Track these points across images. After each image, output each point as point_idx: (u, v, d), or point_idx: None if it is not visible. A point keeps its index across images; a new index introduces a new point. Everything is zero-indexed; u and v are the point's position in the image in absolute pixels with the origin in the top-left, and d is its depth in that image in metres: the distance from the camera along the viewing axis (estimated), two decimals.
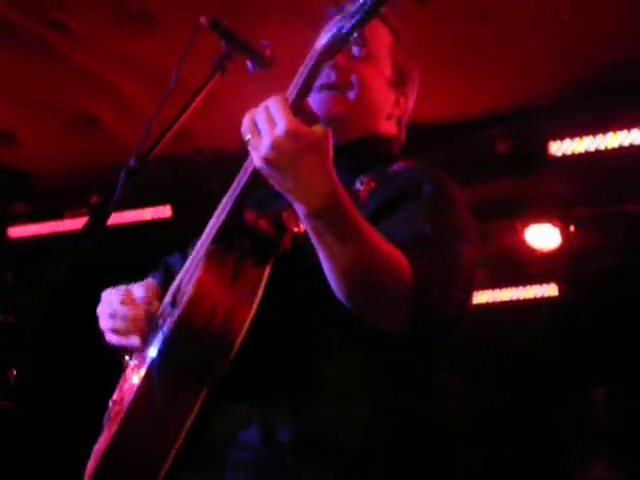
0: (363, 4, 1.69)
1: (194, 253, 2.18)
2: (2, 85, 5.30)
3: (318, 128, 1.74)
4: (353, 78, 2.32)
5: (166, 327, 1.97)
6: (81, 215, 6.52)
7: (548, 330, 6.93)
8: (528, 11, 4.45)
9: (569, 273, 6.85)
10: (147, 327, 2.14)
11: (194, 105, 2.20)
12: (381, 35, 2.41)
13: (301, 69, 1.84)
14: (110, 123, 5.75)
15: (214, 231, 2.02)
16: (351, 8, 1.71)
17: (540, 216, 6.19)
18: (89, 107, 5.60)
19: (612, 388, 7.30)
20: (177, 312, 1.94)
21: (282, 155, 1.70)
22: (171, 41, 4.52)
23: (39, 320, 1.85)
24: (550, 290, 7.04)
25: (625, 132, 5.22)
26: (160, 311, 2.19)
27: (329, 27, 1.77)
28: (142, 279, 2.76)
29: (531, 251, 6.39)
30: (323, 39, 1.78)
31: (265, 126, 1.71)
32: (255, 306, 1.94)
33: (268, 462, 1.99)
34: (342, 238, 1.80)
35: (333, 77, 2.30)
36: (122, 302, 2.20)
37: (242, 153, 6.21)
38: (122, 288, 2.29)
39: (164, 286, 2.58)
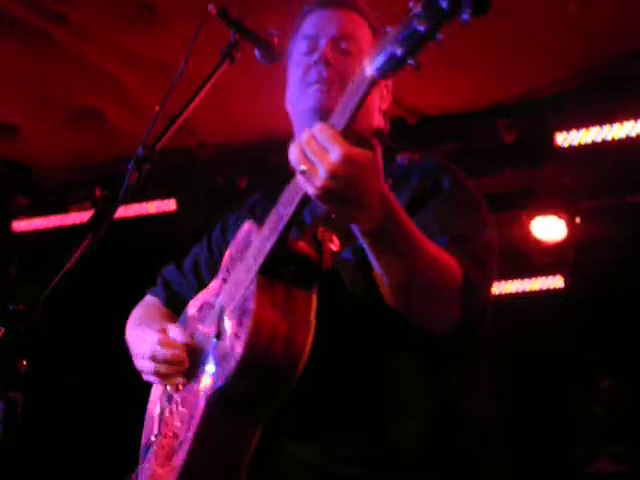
0: (415, 30, 1.59)
1: (233, 275, 2.15)
2: (5, 78, 5.29)
3: (368, 148, 1.72)
4: (346, 73, 2.29)
5: (227, 363, 1.96)
6: (87, 209, 6.53)
7: (553, 322, 6.92)
8: (535, 3, 4.43)
9: (575, 265, 6.83)
10: (189, 366, 2.16)
11: (202, 94, 2.19)
12: (364, 30, 2.42)
13: (347, 96, 1.77)
14: (113, 117, 5.74)
15: (260, 261, 1.99)
16: (402, 33, 1.62)
17: (546, 208, 6.17)
18: (92, 101, 5.60)
19: (617, 380, 7.29)
20: (239, 347, 1.93)
21: (340, 182, 1.69)
22: (174, 35, 4.52)
23: (45, 312, 1.84)
24: (556, 282, 7.03)
25: (632, 123, 5.19)
26: (198, 343, 2.19)
27: (376, 53, 1.69)
28: (147, 275, 2.76)
29: (537, 243, 6.37)
30: (372, 65, 1.70)
31: (317, 156, 1.70)
32: (312, 329, 1.94)
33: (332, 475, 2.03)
34: (400, 251, 1.83)
35: (325, 73, 2.30)
36: (161, 344, 2.20)
37: (246, 148, 6.19)
38: (157, 327, 2.29)
39: (171, 305, 2.59)
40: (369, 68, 1.69)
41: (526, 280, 7.01)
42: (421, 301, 1.92)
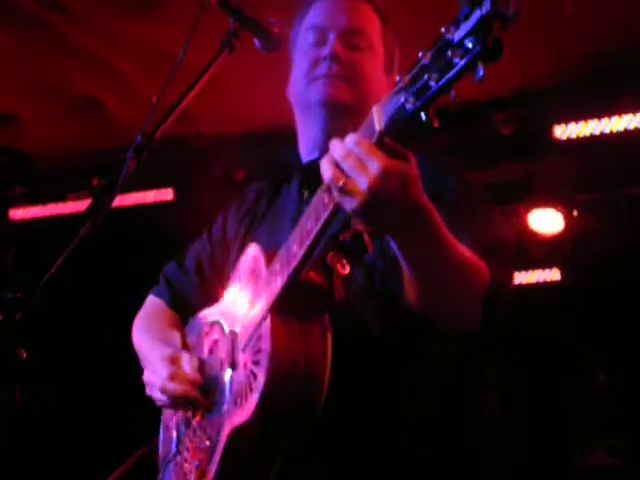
0: (427, 85, 1.49)
1: (244, 302, 2.12)
2: (4, 67, 5.27)
3: (401, 158, 1.65)
4: (356, 69, 2.28)
5: (246, 402, 1.95)
6: (84, 197, 6.52)
7: (550, 314, 6.92)
8: None
9: (572, 257, 6.83)
10: (202, 400, 2.16)
11: (201, 83, 2.17)
12: (374, 22, 2.38)
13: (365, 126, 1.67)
14: (112, 106, 5.73)
15: (271, 299, 1.96)
16: (414, 84, 1.52)
17: (543, 200, 6.17)
18: (91, 90, 5.59)
19: (614, 372, 7.29)
20: (257, 389, 1.91)
21: (381, 196, 1.63)
22: (174, 24, 4.49)
23: (43, 300, 1.84)
24: (553, 274, 7.03)
25: (630, 115, 5.20)
26: (211, 368, 2.19)
27: (387, 101, 1.59)
28: (144, 264, 2.75)
29: (534, 235, 6.37)
30: (381, 118, 1.60)
31: (357, 170, 1.62)
32: (329, 360, 1.92)
33: None
34: (436, 260, 1.80)
35: (335, 69, 2.26)
36: (171, 378, 2.20)
37: (244, 137, 6.16)
38: (166, 355, 2.27)
39: (175, 306, 2.58)
40: (378, 121, 1.61)
41: (523, 273, 7.01)
42: (449, 304, 1.90)
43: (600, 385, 7.35)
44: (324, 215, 1.77)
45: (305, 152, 2.41)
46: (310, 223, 1.82)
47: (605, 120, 5.23)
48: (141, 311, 2.65)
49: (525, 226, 6.28)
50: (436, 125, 1.54)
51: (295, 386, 1.90)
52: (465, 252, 1.87)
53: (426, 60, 1.49)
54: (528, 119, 5.43)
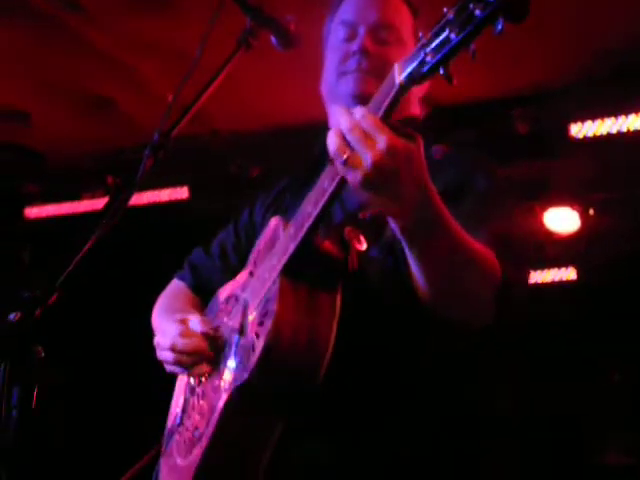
0: (447, 38, 1.53)
1: (259, 271, 2.13)
2: (18, 65, 5.29)
3: (411, 139, 1.66)
4: (385, 64, 2.25)
5: (247, 362, 1.95)
6: (99, 196, 6.54)
7: (565, 314, 6.90)
8: None
9: (588, 257, 6.80)
10: (211, 357, 2.16)
11: (218, 81, 2.17)
12: (404, 16, 2.38)
13: (380, 94, 1.70)
14: (126, 105, 5.74)
15: (283, 261, 1.96)
16: (433, 40, 1.55)
17: (559, 199, 6.15)
18: (105, 88, 5.60)
19: (627, 372, 7.27)
20: (258, 349, 1.91)
21: (384, 172, 1.63)
22: (188, 22, 4.49)
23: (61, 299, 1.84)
24: (568, 274, 7.01)
25: None
26: (224, 334, 2.19)
27: (407, 59, 1.62)
28: (159, 262, 2.76)
29: (550, 234, 6.35)
30: (402, 73, 1.63)
31: (363, 144, 1.63)
32: (334, 331, 1.91)
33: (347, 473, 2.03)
34: (438, 245, 1.78)
35: (365, 64, 2.27)
36: (181, 334, 2.20)
37: (259, 136, 6.16)
38: (177, 318, 2.28)
39: (197, 290, 2.59)
40: (398, 76, 1.63)
41: (539, 272, 6.98)
42: (458, 297, 1.89)
43: (614, 384, 7.32)
44: (338, 176, 1.78)
45: None
46: (326, 182, 1.83)
47: (622, 118, 5.20)
48: (163, 293, 2.67)
49: (541, 225, 6.25)
50: (454, 82, 1.56)
51: (296, 351, 1.89)
52: (474, 245, 1.86)
53: (450, 15, 1.51)
54: (544, 117, 5.41)
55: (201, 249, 2.67)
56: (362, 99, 2.23)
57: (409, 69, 1.61)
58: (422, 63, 1.58)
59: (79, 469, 6.23)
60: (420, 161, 1.69)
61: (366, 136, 1.63)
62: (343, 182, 1.79)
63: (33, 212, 6.80)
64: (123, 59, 5.21)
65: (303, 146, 2.55)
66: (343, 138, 1.66)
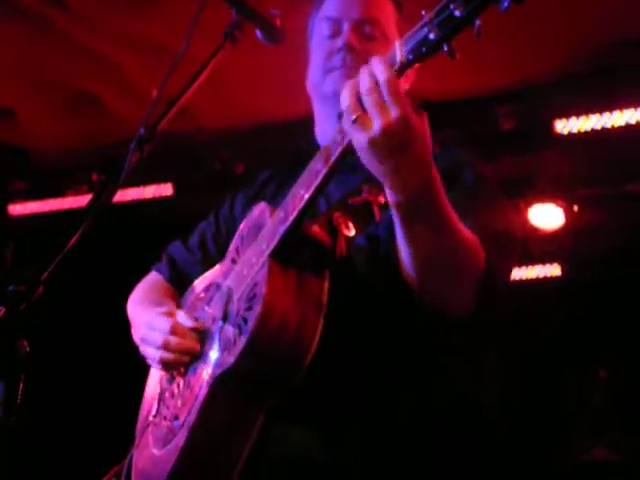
0: (452, 15, 1.53)
1: (244, 257, 2.11)
2: (2, 62, 5.26)
3: (421, 115, 1.67)
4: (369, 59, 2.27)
5: (234, 347, 1.93)
6: (83, 193, 6.51)
7: (550, 310, 6.91)
8: None
9: (572, 253, 6.83)
10: (199, 352, 2.13)
11: (205, 75, 2.16)
12: (388, 11, 2.39)
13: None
14: (110, 101, 5.72)
15: (273, 244, 1.96)
16: (437, 17, 1.55)
17: (544, 195, 6.16)
18: (90, 85, 5.57)
19: (614, 369, 7.29)
20: (246, 332, 1.89)
21: (392, 141, 1.63)
22: (173, 19, 4.48)
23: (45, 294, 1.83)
24: (553, 270, 7.03)
25: (632, 110, 5.17)
26: (204, 323, 2.16)
27: (409, 36, 1.63)
28: (143, 260, 2.74)
29: (534, 231, 6.36)
30: (403, 48, 1.63)
31: (378, 109, 1.62)
32: (323, 317, 1.91)
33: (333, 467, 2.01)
34: (431, 225, 1.78)
35: (350, 60, 2.27)
36: (174, 331, 2.16)
37: (244, 133, 6.12)
38: (163, 311, 2.25)
39: (174, 282, 2.57)
40: (400, 51, 1.63)
41: (523, 268, 7.00)
42: (441, 279, 1.89)
43: (601, 381, 7.35)
44: (335, 154, 1.78)
45: (321, 140, 2.43)
46: (319, 164, 1.83)
47: (607, 115, 5.21)
48: (139, 285, 2.65)
49: (525, 221, 6.26)
50: (457, 57, 1.56)
51: (284, 336, 1.88)
52: (463, 229, 1.86)
53: None
54: (529, 113, 5.42)
55: (180, 241, 2.65)
56: None
57: (411, 45, 1.61)
58: (425, 39, 1.58)
59: (64, 466, 6.21)
60: (427, 139, 1.69)
61: (383, 101, 1.62)
62: (336, 164, 1.79)
63: (17, 209, 6.76)
64: (107, 55, 5.18)
65: (288, 143, 2.55)
66: (358, 96, 1.65)
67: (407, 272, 1.90)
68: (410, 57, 1.62)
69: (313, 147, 2.41)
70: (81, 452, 6.24)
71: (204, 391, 1.99)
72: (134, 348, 2.39)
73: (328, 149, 1.81)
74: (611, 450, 7.02)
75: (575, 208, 6.20)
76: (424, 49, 1.59)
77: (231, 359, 1.91)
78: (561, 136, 5.32)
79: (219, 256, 2.41)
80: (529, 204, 6.21)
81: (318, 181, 1.84)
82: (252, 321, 1.89)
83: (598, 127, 5.23)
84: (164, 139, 2.15)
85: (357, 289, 2.05)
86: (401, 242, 1.85)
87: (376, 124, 1.62)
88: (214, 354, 2.05)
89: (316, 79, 2.36)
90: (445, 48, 1.56)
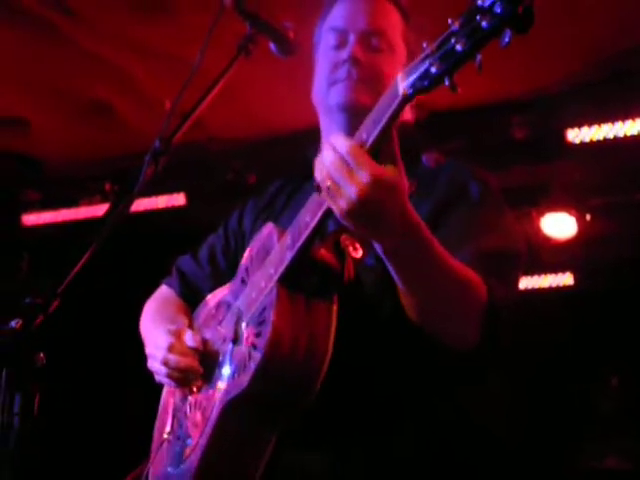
0: (453, 49, 1.51)
1: (253, 279, 2.12)
2: (15, 72, 5.29)
3: (391, 167, 1.67)
4: (375, 72, 2.26)
5: (244, 373, 1.94)
6: (97, 203, 6.53)
7: (563, 319, 6.90)
8: None
9: (585, 262, 6.81)
10: (202, 372, 2.15)
11: (218, 89, 2.17)
12: (394, 22, 2.35)
13: (376, 112, 1.71)
14: (123, 111, 5.74)
15: (281, 270, 1.96)
16: (438, 50, 1.54)
17: (556, 205, 6.15)
18: (102, 94, 5.59)
19: (625, 377, 7.27)
20: (255, 359, 1.90)
21: (367, 205, 1.64)
22: (185, 28, 4.51)
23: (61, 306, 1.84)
24: (565, 279, 7.01)
25: None
26: (214, 344, 2.18)
27: (410, 69, 1.61)
28: (156, 270, 2.75)
29: (547, 240, 6.35)
30: (404, 82, 1.62)
31: (345, 177, 1.64)
32: (332, 341, 1.91)
33: None
34: (421, 269, 1.80)
35: (355, 73, 2.25)
36: (173, 349, 2.19)
37: (256, 142, 6.12)
38: (169, 329, 2.27)
39: (185, 296, 2.58)
40: (402, 85, 1.62)
41: (536, 277, 6.99)
42: (441, 320, 1.90)
43: (612, 389, 7.33)
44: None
45: None
46: (323, 199, 1.82)
47: (619, 124, 5.19)
48: (150, 299, 2.65)
49: (538, 230, 6.25)
50: (459, 91, 1.55)
51: (294, 361, 1.88)
52: (461, 270, 1.86)
53: (455, 26, 1.51)
54: (541, 123, 5.41)
55: (189, 255, 2.65)
56: (351, 108, 2.23)
57: (412, 79, 1.60)
58: (426, 73, 1.57)
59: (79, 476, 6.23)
60: (403, 192, 1.70)
61: (349, 171, 1.64)
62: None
63: (30, 219, 6.78)
64: (120, 65, 5.21)
65: (301, 153, 2.55)
66: (327, 170, 1.68)
67: (409, 312, 1.91)
68: (410, 91, 1.61)
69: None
70: (96, 463, 6.25)
71: (215, 414, 2.00)
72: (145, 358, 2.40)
73: None
74: (622, 458, 7.00)
75: (588, 217, 6.18)
76: (425, 82, 1.58)
77: (242, 384, 1.92)
78: (573, 145, 5.31)
79: (229, 270, 2.42)
80: (541, 213, 6.20)
81: (322, 211, 1.84)
82: (262, 348, 1.89)
83: (610, 136, 5.22)
84: (177, 149, 2.16)
85: (366, 310, 2.05)
86: (400, 288, 1.87)
87: (350, 194, 1.64)
88: (225, 377, 2.06)
89: (321, 91, 2.34)
90: (447, 82, 1.55)
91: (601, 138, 5.24)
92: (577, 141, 5.30)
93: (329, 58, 2.32)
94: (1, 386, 1.70)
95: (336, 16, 2.37)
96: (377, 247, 1.79)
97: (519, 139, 5.44)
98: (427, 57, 1.56)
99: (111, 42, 4.99)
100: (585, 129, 5.28)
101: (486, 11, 1.45)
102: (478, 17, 1.47)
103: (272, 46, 2.33)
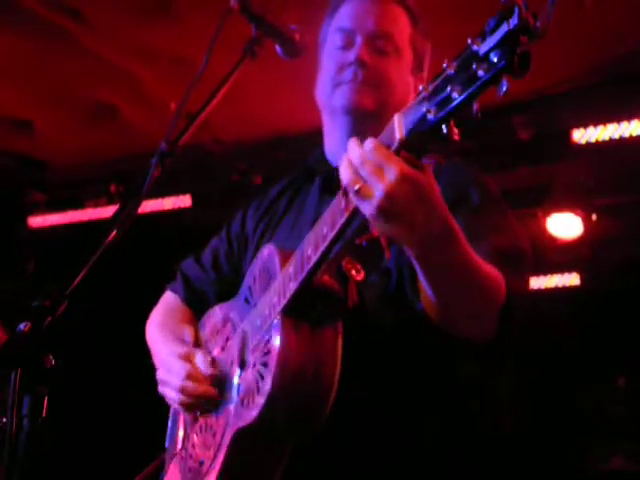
0: (449, 97, 1.47)
1: (258, 303, 2.11)
2: (20, 74, 5.30)
3: (421, 169, 1.64)
4: (381, 75, 2.26)
5: (253, 404, 1.95)
6: (102, 204, 6.54)
7: (569, 320, 6.89)
8: None
9: (591, 263, 6.80)
10: (218, 399, 2.15)
11: (225, 90, 2.17)
12: (402, 25, 2.34)
13: (385, 134, 1.65)
14: (128, 113, 5.75)
15: (284, 302, 1.95)
16: (437, 95, 1.50)
17: (562, 205, 6.14)
18: (107, 96, 5.60)
19: (632, 377, 7.26)
20: (263, 392, 1.91)
21: (397, 202, 1.61)
22: (189, 30, 4.52)
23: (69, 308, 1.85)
24: (572, 279, 7.00)
25: None
26: (222, 366, 2.19)
27: (410, 110, 1.57)
28: (162, 271, 2.76)
29: (552, 240, 6.34)
30: (402, 127, 1.58)
31: (373, 175, 1.61)
32: (338, 366, 1.91)
33: None
34: (452, 270, 1.77)
35: (361, 75, 2.24)
36: (190, 377, 2.19)
37: (262, 144, 6.11)
38: (181, 352, 2.27)
39: (190, 302, 2.58)
40: (398, 131, 1.59)
41: (542, 277, 6.98)
42: (465, 316, 1.89)
43: (619, 390, 7.31)
44: (340, 221, 1.75)
45: (330, 154, 2.41)
46: (326, 228, 1.81)
47: (624, 124, 5.18)
48: (156, 307, 2.66)
49: (544, 230, 6.25)
50: (456, 138, 1.52)
51: (302, 392, 1.89)
52: (484, 266, 1.85)
53: (450, 71, 1.47)
54: (547, 123, 5.40)
55: (193, 259, 2.65)
56: (356, 111, 2.23)
57: (409, 124, 1.57)
58: (423, 119, 1.53)
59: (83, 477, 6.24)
60: (432, 188, 1.66)
61: (377, 168, 1.61)
62: (343, 230, 1.77)
63: (36, 221, 6.80)
64: (124, 67, 5.21)
65: (305, 155, 2.55)
66: (355, 170, 1.64)
67: (431, 310, 1.89)
68: (407, 136, 1.58)
69: (322, 161, 2.42)
70: (102, 463, 6.26)
71: (227, 441, 2.02)
72: (154, 365, 2.41)
73: (334, 214, 1.79)
74: (629, 459, 6.98)
75: (593, 217, 6.17)
76: (423, 127, 1.54)
77: (250, 416, 1.93)
78: (579, 145, 5.30)
79: (232, 275, 2.43)
80: (547, 213, 6.19)
81: (325, 245, 1.82)
82: (269, 379, 1.90)
83: (616, 136, 5.21)
84: (182, 151, 2.16)
85: (369, 326, 2.05)
86: (424, 286, 1.84)
87: (378, 190, 1.61)
88: (233, 402, 2.07)
89: (326, 91, 2.34)
90: (444, 130, 1.52)
91: (606, 138, 5.24)
92: (583, 141, 5.29)
93: (335, 58, 2.31)
94: (10, 388, 1.70)
95: (344, 16, 2.35)
96: (407, 250, 1.75)
97: (524, 139, 5.44)
98: (424, 100, 1.52)
99: (116, 44, 5.00)
100: (591, 129, 5.28)
101: (482, 59, 1.41)
102: (474, 65, 1.42)
103: (278, 49, 2.32)
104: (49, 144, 6.21)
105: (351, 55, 2.27)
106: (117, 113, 5.75)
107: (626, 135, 5.19)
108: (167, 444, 2.42)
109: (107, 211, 6.45)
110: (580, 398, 7.30)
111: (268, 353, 1.95)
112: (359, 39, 2.28)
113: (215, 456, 2.06)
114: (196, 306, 2.54)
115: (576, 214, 6.14)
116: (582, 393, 7.29)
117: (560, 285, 7.01)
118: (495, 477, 2.22)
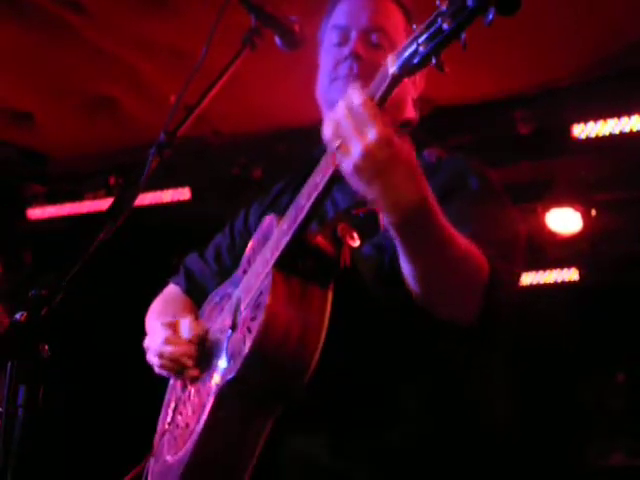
0: (439, 29, 1.55)
1: (252, 266, 2.14)
2: (20, 66, 5.30)
3: (403, 136, 1.68)
4: (377, 68, 2.27)
5: (238, 356, 1.95)
6: (101, 197, 6.55)
7: (568, 315, 6.89)
8: None
9: (590, 258, 6.80)
10: (198, 360, 2.17)
11: (224, 81, 2.17)
12: (396, 20, 2.39)
13: (372, 88, 1.73)
14: (128, 105, 5.74)
15: (277, 254, 1.97)
16: (426, 31, 1.58)
17: (562, 200, 6.14)
18: (106, 89, 5.60)
19: (632, 373, 7.27)
20: (249, 341, 1.91)
21: (374, 163, 1.64)
22: (188, 22, 4.51)
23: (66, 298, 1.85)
24: (571, 274, 7.01)
25: None
26: (214, 334, 2.20)
27: (400, 50, 1.65)
28: (161, 263, 2.76)
29: (552, 235, 6.35)
30: (395, 63, 1.66)
31: (354, 132, 1.64)
32: (325, 327, 1.92)
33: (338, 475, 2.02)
34: (429, 242, 1.78)
35: (356, 68, 2.28)
36: (166, 341, 2.22)
37: (261, 137, 6.13)
38: (166, 321, 2.30)
39: (191, 293, 2.61)
40: (391, 66, 1.65)
41: (541, 272, 6.99)
42: (444, 292, 1.89)
43: (618, 386, 7.32)
44: (329, 171, 1.80)
45: None
46: (318, 178, 1.85)
47: (625, 119, 5.18)
48: (157, 298, 2.69)
49: (543, 225, 6.25)
50: (446, 70, 1.59)
51: (287, 345, 1.89)
52: (463, 242, 1.86)
53: (443, 7, 1.55)
54: (547, 118, 5.40)
55: (196, 254, 2.68)
56: None
57: (402, 59, 1.64)
58: (415, 53, 1.61)
59: (80, 469, 6.24)
60: (410, 155, 1.69)
61: (357, 126, 1.64)
62: (334, 177, 1.80)
63: (35, 213, 6.80)
64: (124, 59, 5.21)
65: (306, 148, 2.55)
66: (337, 125, 1.67)
67: (410, 287, 1.90)
68: (399, 72, 1.65)
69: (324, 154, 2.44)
70: (100, 456, 6.27)
71: (211, 399, 2.01)
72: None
73: (326, 163, 1.83)
74: (629, 455, 6.99)
75: (593, 212, 6.18)
76: (414, 60, 1.62)
77: (235, 369, 1.93)
78: (579, 140, 5.30)
79: (234, 268, 2.44)
80: (547, 208, 6.20)
81: (317, 193, 1.85)
82: (255, 330, 1.90)
83: (616, 131, 5.21)
84: (182, 143, 2.16)
85: (363, 298, 2.05)
86: (402, 259, 1.86)
87: (356, 148, 1.64)
88: (222, 364, 2.07)
89: (323, 87, 2.38)
90: (433, 61, 1.59)
91: (607, 133, 5.24)
92: (583, 136, 5.29)
93: (332, 55, 2.36)
94: (6, 378, 1.70)
95: (339, 14, 2.41)
96: (384, 215, 1.77)
97: (525, 134, 5.44)
98: (415, 38, 1.61)
99: (116, 37, 5.00)
100: (591, 124, 5.27)
101: None
102: None
103: (277, 40, 2.33)
104: (49, 136, 6.20)
105: (346, 50, 2.31)
106: (117, 105, 5.74)
107: (626, 130, 5.18)
108: (157, 429, 2.41)
109: (106, 203, 6.41)
110: (580, 393, 7.31)
111: (258, 306, 1.96)
112: (354, 34, 2.33)
113: (199, 417, 2.06)
114: (197, 297, 2.56)
115: (575, 209, 6.15)
116: (581, 388, 7.30)
117: (559, 280, 7.02)
118: (495, 473, 2.21)
